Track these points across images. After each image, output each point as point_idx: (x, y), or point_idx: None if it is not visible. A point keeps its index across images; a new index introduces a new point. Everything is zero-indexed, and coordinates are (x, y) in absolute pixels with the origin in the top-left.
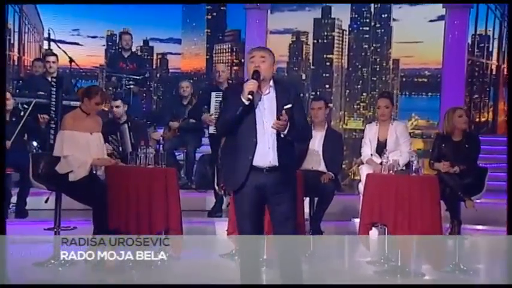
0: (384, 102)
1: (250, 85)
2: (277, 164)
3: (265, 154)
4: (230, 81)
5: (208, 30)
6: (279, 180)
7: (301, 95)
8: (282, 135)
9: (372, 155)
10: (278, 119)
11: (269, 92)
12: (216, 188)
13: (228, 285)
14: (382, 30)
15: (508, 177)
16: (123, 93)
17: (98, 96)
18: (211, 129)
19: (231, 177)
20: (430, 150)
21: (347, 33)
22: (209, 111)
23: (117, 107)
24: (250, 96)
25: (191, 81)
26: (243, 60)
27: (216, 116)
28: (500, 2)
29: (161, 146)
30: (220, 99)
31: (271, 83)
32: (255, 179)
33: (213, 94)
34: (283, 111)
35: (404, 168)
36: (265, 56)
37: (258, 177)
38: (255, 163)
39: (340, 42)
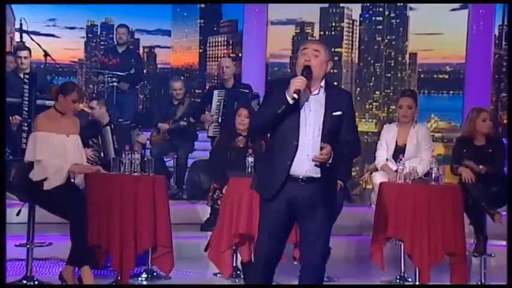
0: (407, 101)
1: (298, 82)
2: (314, 175)
3: (303, 162)
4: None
5: (202, 21)
6: (315, 193)
7: None
8: (327, 165)
9: (387, 160)
10: (320, 149)
11: (318, 93)
12: (209, 200)
13: (228, 285)
14: (398, 21)
15: (509, 178)
16: (104, 92)
17: (74, 92)
18: (211, 131)
19: (265, 184)
20: (452, 154)
21: (358, 23)
22: (210, 111)
23: (92, 108)
24: (295, 96)
25: (182, 78)
26: (240, 54)
27: (217, 116)
28: (500, 2)
29: (148, 151)
30: (223, 98)
31: (323, 83)
32: (289, 191)
33: (215, 92)
34: (324, 144)
35: (423, 177)
36: (319, 51)
37: (292, 188)
38: (291, 171)
39: (350, 34)
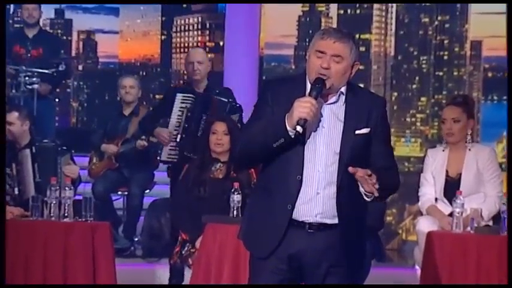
0: (453, 112)
1: (305, 107)
2: (328, 221)
3: (311, 202)
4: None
5: None
6: (329, 246)
7: None
8: (368, 198)
9: (436, 199)
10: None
11: (336, 101)
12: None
13: (228, 285)
14: None
15: (508, 178)
16: (20, 97)
17: None
18: (165, 154)
19: (257, 235)
20: None
21: None
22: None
23: (10, 124)
24: (299, 128)
25: (136, 76)
26: (221, 43)
27: (176, 132)
28: (500, 2)
29: (86, 185)
30: (187, 106)
31: (343, 87)
32: (291, 243)
33: (179, 97)
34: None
35: (490, 223)
36: (341, 56)
37: (296, 239)
38: (295, 215)
39: (384, 14)
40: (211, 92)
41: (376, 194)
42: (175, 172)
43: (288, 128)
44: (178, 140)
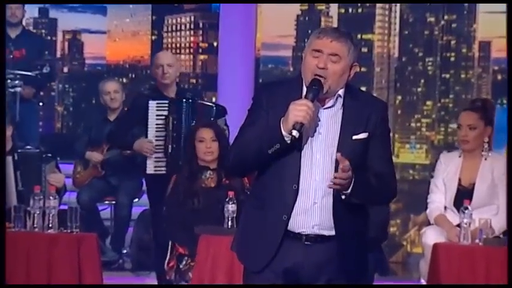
0: (469, 118)
1: (301, 110)
2: (325, 233)
3: (307, 213)
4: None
5: None
6: (327, 259)
7: None
8: (343, 197)
9: (445, 208)
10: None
11: (333, 105)
12: (166, 268)
13: (228, 285)
14: None
15: (508, 178)
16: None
17: None
18: (151, 167)
19: (250, 247)
20: None
21: None
22: (146, 135)
23: None
24: (295, 133)
25: (123, 81)
26: (215, 44)
27: (163, 143)
28: (500, 2)
29: (72, 194)
30: (164, 113)
31: (341, 90)
32: (287, 256)
33: (152, 105)
34: (340, 156)
35: (501, 236)
36: (339, 55)
37: (292, 251)
38: (290, 226)
39: (387, 13)
40: (184, 96)
41: (347, 191)
42: (158, 183)
43: (284, 133)
44: (170, 150)
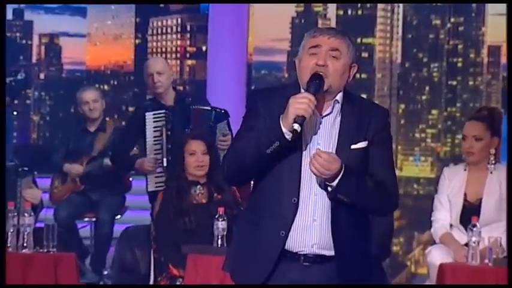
0: (474, 128)
1: (302, 104)
2: (326, 253)
3: (307, 230)
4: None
5: None
6: (326, 280)
7: None
8: (329, 189)
9: (451, 226)
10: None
11: (331, 112)
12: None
13: (228, 285)
14: None
15: (508, 178)
16: None
17: None
18: (152, 184)
19: (244, 267)
20: None
21: None
22: (145, 149)
23: None
24: (297, 127)
25: (104, 88)
26: (204, 48)
27: (159, 156)
28: (500, 2)
29: (48, 211)
30: (164, 124)
31: (339, 95)
32: (284, 276)
33: (149, 116)
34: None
35: None
36: (339, 50)
37: (290, 271)
38: (288, 245)
39: (389, 16)
40: (184, 102)
41: (333, 184)
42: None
43: (284, 130)
44: (165, 164)
